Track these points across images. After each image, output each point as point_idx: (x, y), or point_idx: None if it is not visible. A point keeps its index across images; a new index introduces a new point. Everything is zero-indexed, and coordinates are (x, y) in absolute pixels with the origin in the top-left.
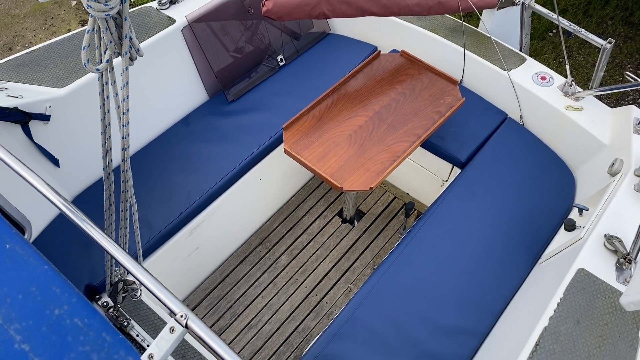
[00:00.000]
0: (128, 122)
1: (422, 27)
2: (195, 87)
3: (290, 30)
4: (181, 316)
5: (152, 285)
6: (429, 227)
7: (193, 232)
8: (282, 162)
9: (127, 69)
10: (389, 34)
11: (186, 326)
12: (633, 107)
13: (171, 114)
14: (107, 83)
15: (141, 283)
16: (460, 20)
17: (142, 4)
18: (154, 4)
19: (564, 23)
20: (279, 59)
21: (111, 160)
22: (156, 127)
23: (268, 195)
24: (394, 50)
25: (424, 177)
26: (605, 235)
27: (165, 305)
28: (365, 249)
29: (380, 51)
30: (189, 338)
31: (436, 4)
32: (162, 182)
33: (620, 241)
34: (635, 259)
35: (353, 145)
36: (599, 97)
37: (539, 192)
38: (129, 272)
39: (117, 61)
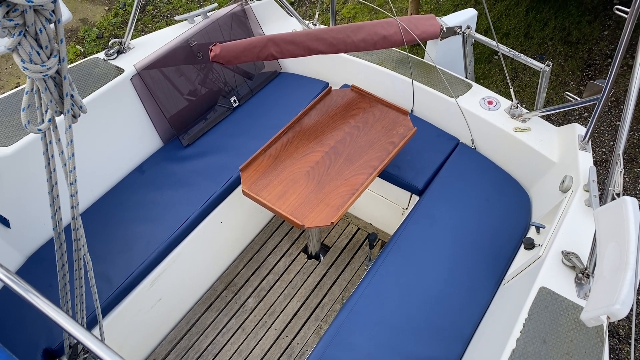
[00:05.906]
0: (75, 180)
1: (370, 61)
2: (148, 135)
3: (242, 71)
4: None
5: (101, 350)
6: (393, 257)
7: (154, 282)
8: (243, 203)
9: (70, 127)
10: (339, 69)
11: None
12: (576, 124)
13: (125, 163)
14: (50, 142)
15: (87, 348)
16: (406, 52)
17: (93, 53)
18: (102, 55)
19: (504, 49)
20: (232, 101)
21: (61, 219)
22: (111, 178)
23: (230, 237)
24: (345, 85)
25: (385, 206)
26: (563, 251)
27: None
28: (333, 284)
29: (331, 87)
30: None
31: (381, 38)
32: (120, 234)
33: (577, 257)
34: (592, 273)
35: (311, 181)
36: (546, 117)
37: (497, 213)
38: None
39: (60, 118)
